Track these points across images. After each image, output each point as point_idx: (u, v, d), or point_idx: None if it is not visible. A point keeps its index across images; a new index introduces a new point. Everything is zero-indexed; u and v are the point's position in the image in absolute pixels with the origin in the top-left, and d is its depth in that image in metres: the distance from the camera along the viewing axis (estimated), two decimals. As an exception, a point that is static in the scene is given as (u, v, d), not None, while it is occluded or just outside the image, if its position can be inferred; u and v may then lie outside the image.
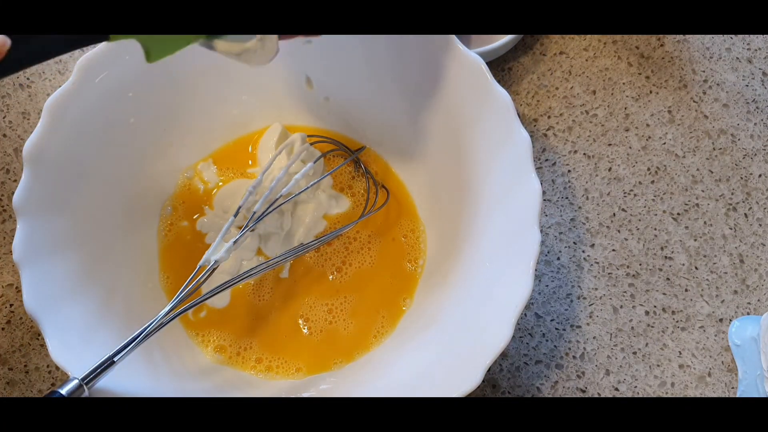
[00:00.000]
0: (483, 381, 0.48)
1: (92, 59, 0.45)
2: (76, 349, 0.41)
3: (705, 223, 0.53)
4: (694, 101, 0.57)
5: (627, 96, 0.57)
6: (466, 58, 0.45)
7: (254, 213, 0.47)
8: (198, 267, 0.44)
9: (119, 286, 0.47)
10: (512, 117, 0.43)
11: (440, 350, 0.44)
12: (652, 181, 0.54)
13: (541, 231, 0.43)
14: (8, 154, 0.55)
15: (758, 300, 0.51)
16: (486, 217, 0.45)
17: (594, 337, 0.50)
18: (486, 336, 0.41)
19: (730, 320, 0.50)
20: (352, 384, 0.46)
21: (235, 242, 0.45)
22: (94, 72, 0.45)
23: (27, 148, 0.43)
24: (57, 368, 0.49)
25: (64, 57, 0.57)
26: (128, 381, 0.41)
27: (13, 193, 0.49)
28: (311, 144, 0.52)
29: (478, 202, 0.46)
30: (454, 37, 0.45)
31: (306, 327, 0.49)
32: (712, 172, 0.55)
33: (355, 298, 0.50)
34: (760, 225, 0.53)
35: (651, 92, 0.57)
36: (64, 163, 0.45)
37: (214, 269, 0.44)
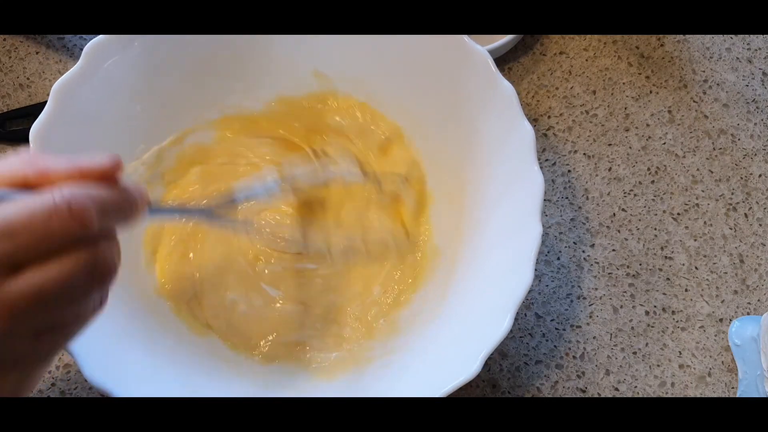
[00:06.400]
0: (483, 381, 0.48)
1: (100, 45, 0.45)
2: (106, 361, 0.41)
3: (705, 223, 0.53)
4: (694, 101, 0.57)
5: (627, 96, 0.57)
6: (472, 51, 0.45)
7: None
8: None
9: (125, 272, 0.47)
10: (517, 110, 0.44)
11: (441, 340, 0.44)
12: (652, 181, 0.54)
13: (542, 231, 0.43)
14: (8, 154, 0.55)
15: (758, 300, 0.51)
16: (489, 208, 0.46)
17: (594, 337, 0.50)
18: (486, 325, 0.41)
19: (730, 320, 0.50)
20: (351, 383, 0.46)
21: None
22: (102, 58, 0.45)
23: (33, 130, 0.43)
24: (57, 368, 0.49)
25: (64, 57, 0.57)
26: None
27: (13, 193, 0.49)
28: None
29: (481, 193, 0.47)
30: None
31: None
32: (712, 172, 0.55)
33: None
34: (760, 225, 0.53)
35: (651, 92, 0.57)
36: (69, 148, 0.45)
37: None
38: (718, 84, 0.57)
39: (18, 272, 0.27)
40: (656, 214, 0.53)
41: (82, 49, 0.45)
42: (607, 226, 0.53)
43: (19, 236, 0.27)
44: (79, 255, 0.29)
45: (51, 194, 0.28)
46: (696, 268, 0.52)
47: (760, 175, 0.54)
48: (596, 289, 0.51)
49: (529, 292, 0.42)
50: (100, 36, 0.45)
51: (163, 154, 0.50)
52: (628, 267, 0.52)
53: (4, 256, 0.27)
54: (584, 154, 0.55)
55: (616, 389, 0.49)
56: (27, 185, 0.29)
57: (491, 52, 0.54)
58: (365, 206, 0.50)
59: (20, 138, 0.54)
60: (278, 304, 0.49)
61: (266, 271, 0.49)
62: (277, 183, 0.48)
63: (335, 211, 0.51)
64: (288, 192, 0.49)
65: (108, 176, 0.30)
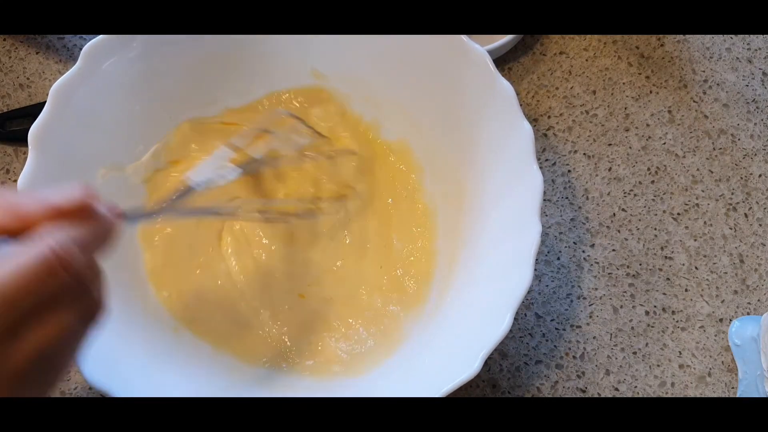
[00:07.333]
0: (483, 381, 0.48)
1: (98, 46, 0.45)
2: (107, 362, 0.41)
3: (705, 223, 0.53)
4: (694, 101, 0.57)
5: (627, 96, 0.57)
6: (471, 51, 0.45)
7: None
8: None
9: (124, 276, 0.47)
10: (516, 109, 0.44)
11: (441, 339, 0.44)
12: (652, 181, 0.54)
13: (541, 230, 0.43)
14: (8, 154, 0.55)
15: (758, 300, 0.51)
16: (488, 208, 0.46)
17: (594, 337, 0.50)
18: (486, 325, 0.41)
19: (730, 320, 0.50)
20: (350, 383, 0.46)
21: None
22: (101, 58, 0.45)
23: (32, 131, 0.43)
24: (57, 368, 0.49)
25: (64, 57, 0.57)
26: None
27: (13, 193, 0.49)
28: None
29: (481, 193, 0.47)
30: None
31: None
32: (712, 172, 0.55)
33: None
34: (760, 225, 0.53)
35: (651, 92, 0.57)
36: (68, 149, 0.45)
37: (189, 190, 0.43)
38: (718, 84, 0.57)
39: (17, 335, 0.27)
40: (656, 214, 0.53)
41: (81, 49, 0.45)
42: (607, 226, 0.53)
43: (15, 302, 0.27)
44: (72, 305, 0.29)
45: (38, 248, 0.27)
46: (696, 268, 0.52)
47: (760, 175, 0.54)
48: (596, 289, 0.51)
49: (529, 292, 0.42)
50: (99, 36, 0.45)
51: (162, 155, 0.50)
52: (628, 267, 0.52)
53: (4, 324, 0.27)
54: (584, 154, 0.55)
55: (616, 389, 0.49)
56: (5, 232, 0.29)
57: (491, 52, 0.54)
58: (315, 171, 0.51)
59: (20, 138, 0.54)
60: (274, 306, 0.49)
61: (258, 272, 0.49)
62: (230, 164, 0.47)
63: (288, 179, 0.51)
64: (244, 169, 0.48)
65: (84, 208, 0.30)
